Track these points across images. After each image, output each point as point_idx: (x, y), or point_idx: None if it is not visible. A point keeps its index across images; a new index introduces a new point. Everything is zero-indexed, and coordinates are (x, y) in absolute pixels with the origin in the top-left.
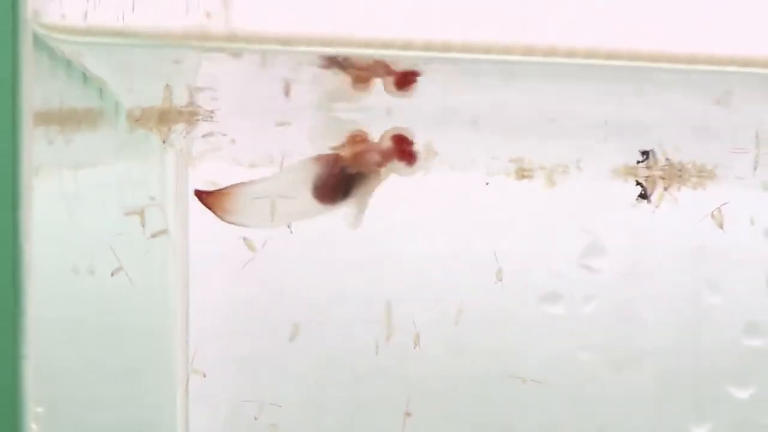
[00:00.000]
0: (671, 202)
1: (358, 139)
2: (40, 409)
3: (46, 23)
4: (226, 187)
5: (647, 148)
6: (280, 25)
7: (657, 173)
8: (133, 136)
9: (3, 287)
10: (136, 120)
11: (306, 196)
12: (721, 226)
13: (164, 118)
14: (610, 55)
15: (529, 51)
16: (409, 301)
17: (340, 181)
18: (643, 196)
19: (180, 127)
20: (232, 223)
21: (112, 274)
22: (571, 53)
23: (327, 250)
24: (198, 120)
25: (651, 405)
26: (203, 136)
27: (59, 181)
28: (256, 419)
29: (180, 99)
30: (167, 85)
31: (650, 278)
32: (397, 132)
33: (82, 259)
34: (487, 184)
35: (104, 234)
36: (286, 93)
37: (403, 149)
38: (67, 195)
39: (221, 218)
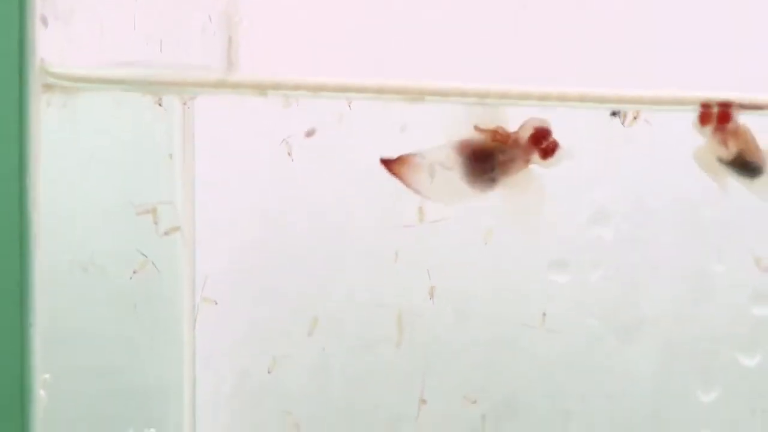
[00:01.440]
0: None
1: (498, 137)
2: (47, 376)
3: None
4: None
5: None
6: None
7: None
8: None
9: (10, 255)
10: None
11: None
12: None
13: None
14: None
15: None
16: (422, 264)
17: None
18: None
19: None
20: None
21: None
22: None
23: (330, 232)
24: None
25: (659, 372)
26: None
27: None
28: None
29: None
30: None
31: (656, 246)
32: (535, 124)
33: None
34: None
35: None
36: None
37: (541, 144)
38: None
39: (408, 186)
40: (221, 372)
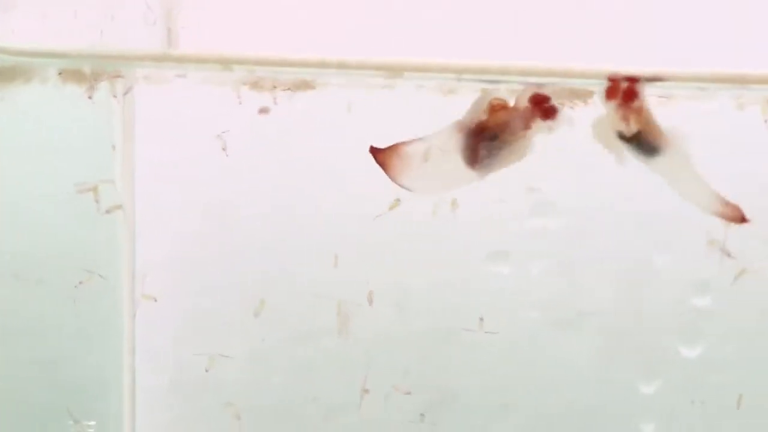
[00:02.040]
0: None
1: (497, 106)
2: None
3: None
4: (394, 145)
5: None
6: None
7: None
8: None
9: None
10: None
11: (458, 163)
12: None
13: None
14: None
15: None
16: (359, 261)
17: (487, 148)
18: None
19: None
20: (402, 186)
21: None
22: None
23: (274, 224)
24: None
25: (599, 364)
26: None
27: None
28: (207, 371)
29: None
30: None
31: (597, 238)
32: (532, 91)
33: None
34: None
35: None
36: None
37: (542, 107)
38: None
39: (393, 179)
40: (161, 364)
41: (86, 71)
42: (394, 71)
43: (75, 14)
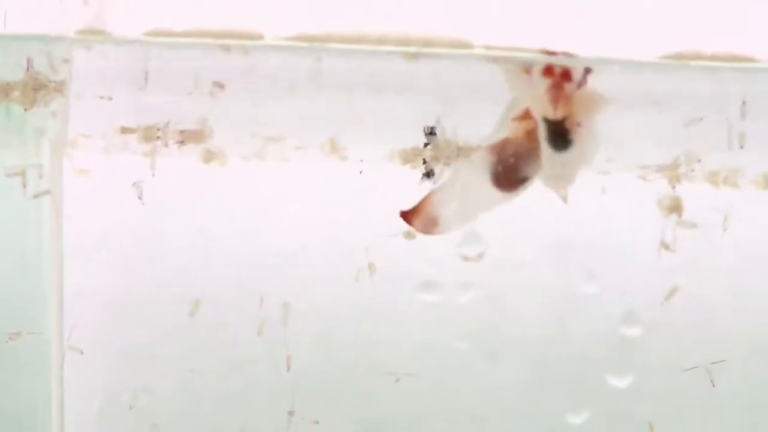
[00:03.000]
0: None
1: (525, 115)
2: None
3: None
4: (420, 203)
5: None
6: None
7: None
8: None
9: None
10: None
11: (487, 187)
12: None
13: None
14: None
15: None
16: (282, 293)
17: (516, 164)
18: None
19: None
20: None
21: None
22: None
23: (200, 239)
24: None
25: (527, 394)
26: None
27: None
28: (131, 408)
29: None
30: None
31: (525, 267)
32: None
33: None
34: (361, 172)
35: None
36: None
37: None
38: None
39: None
40: (89, 398)
41: None
42: None
43: None
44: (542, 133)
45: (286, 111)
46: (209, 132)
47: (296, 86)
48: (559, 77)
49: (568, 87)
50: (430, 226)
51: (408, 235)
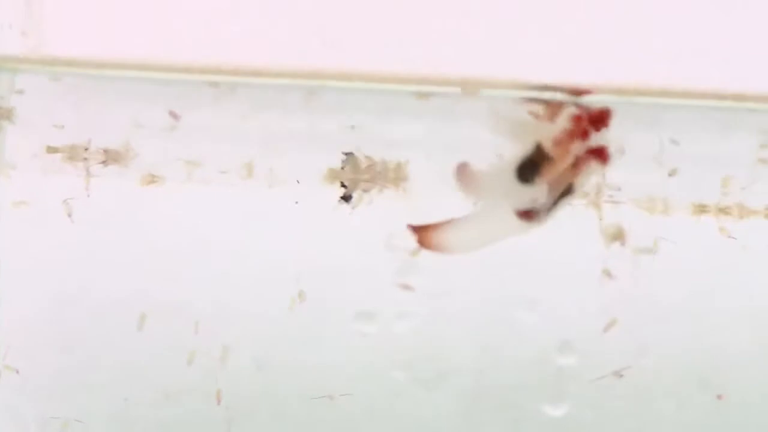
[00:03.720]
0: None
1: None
2: None
3: None
4: (438, 223)
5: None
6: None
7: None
8: None
9: None
10: None
11: (508, 217)
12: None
13: None
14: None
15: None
16: (217, 320)
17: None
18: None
19: None
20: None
21: None
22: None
23: (133, 263)
24: None
25: (462, 423)
26: None
27: None
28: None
29: None
30: None
31: (461, 296)
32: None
33: None
34: (297, 203)
35: None
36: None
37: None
38: None
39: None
40: (22, 426)
41: None
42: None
43: None
44: (515, 160)
45: (207, 135)
46: (133, 154)
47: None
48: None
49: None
50: (441, 247)
51: (342, 263)
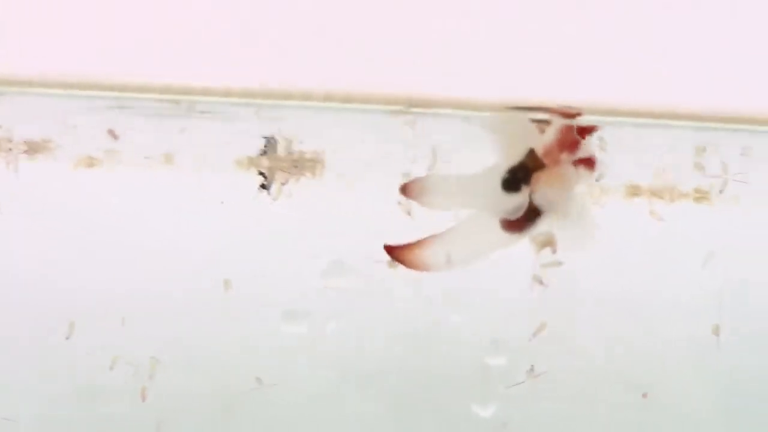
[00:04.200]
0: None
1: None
2: None
3: None
4: (417, 241)
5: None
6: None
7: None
8: None
9: None
10: None
11: (494, 231)
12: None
13: None
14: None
15: None
16: (143, 316)
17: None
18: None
19: None
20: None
21: None
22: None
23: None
24: None
25: (391, 423)
26: None
27: None
28: None
29: None
30: None
31: (390, 296)
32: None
33: None
34: (222, 202)
35: None
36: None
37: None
38: None
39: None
40: None
41: None
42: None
43: None
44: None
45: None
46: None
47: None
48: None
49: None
50: (420, 265)
51: (271, 262)
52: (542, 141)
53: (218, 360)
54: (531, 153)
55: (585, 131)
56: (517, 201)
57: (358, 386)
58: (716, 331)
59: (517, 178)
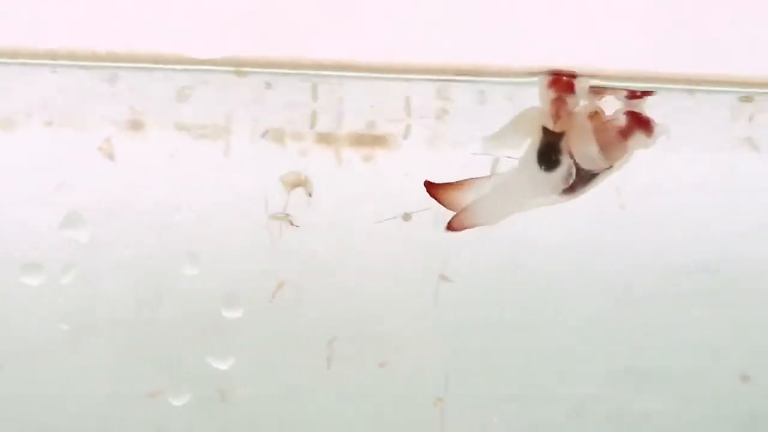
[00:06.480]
0: None
1: (594, 116)
2: None
3: None
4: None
5: None
6: None
7: None
8: None
9: None
10: None
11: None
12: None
13: None
14: None
15: None
16: None
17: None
18: None
19: None
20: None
21: None
22: None
23: None
24: None
25: (117, 374)
26: None
27: None
28: None
29: None
30: None
31: (122, 248)
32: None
33: None
34: None
35: None
36: None
37: (641, 120)
38: None
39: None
40: None
41: None
42: None
43: None
44: (534, 146)
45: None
46: None
47: None
48: (562, 89)
49: (571, 101)
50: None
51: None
52: (546, 113)
53: None
54: (545, 130)
55: (570, 86)
56: (564, 171)
57: (90, 337)
58: None
59: (551, 158)
